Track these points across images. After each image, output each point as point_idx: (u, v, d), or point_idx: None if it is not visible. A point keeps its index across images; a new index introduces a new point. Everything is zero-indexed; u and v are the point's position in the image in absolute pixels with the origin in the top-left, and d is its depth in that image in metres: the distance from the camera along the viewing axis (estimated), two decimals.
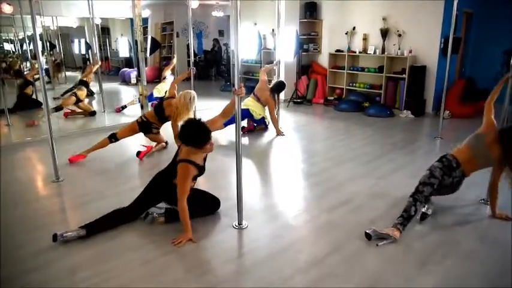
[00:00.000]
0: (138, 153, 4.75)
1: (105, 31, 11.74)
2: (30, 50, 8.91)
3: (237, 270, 2.49)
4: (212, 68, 13.13)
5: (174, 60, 8.08)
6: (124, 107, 7.39)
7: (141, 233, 2.93)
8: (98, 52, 8.04)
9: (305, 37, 8.73)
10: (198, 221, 3.09)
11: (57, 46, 10.11)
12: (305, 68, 8.92)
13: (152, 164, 4.61)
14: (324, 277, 2.39)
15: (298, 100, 8.50)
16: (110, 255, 2.61)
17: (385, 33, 7.52)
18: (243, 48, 9.71)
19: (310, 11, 8.57)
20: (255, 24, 9.46)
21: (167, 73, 7.65)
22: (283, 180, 4.16)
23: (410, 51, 7.22)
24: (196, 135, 2.79)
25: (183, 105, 4.56)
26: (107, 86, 9.11)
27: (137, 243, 2.78)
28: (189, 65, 6.83)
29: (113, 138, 4.67)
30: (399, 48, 7.39)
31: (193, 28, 8.87)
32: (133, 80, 7.94)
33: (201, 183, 4.01)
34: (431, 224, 3.06)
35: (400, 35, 7.33)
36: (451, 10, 5.29)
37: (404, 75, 7.27)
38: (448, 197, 3.56)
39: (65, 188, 3.82)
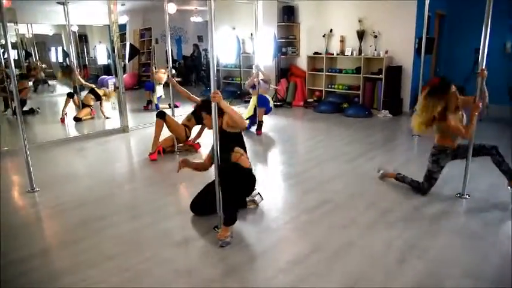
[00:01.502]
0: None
1: (82, 38, 11.56)
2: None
3: (221, 272, 2.48)
4: (192, 73, 13.07)
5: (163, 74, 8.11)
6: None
7: (118, 240, 2.89)
8: (75, 60, 7.93)
9: (283, 40, 8.80)
10: (178, 226, 3.08)
11: (33, 54, 9.91)
12: (284, 71, 8.99)
13: (126, 169, 4.58)
14: (306, 277, 2.40)
15: (278, 103, 8.55)
16: (88, 264, 2.57)
17: (361, 34, 7.64)
18: (222, 52, 9.73)
19: (288, 15, 8.66)
20: (234, 28, 9.49)
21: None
22: (263, 182, 4.17)
23: (386, 52, 7.36)
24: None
25: None
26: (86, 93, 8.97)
27: (115, 251, 2.74)
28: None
29: (162, 116, 4.82)
30: (375, 49, 7.52)
31: (172, 34, 8.85)
32: (112, 87, 7.85)
33: (183, 187, 4.00)
34: (409, 220, 3.12)
35: (376, 36, 7.46)
36: (424, 11, 5.42)
37: (381, 76, 7.40)
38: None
39: (40, 198, 3.74)
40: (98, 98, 7.39)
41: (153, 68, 8.45)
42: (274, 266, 2.52)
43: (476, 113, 3.28)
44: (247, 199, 3.35)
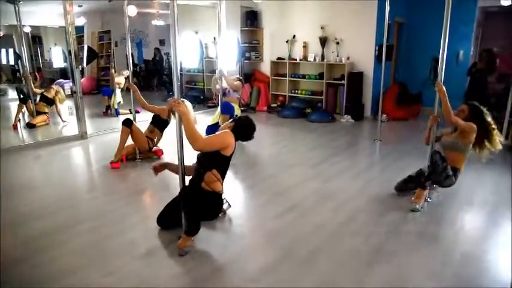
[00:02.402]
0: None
1: (36, 40, 11.02)
2: None
3: (185, 284, 2.38)
4: (154, 77, 12.80)
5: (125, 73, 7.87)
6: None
7: (80, 253, 2.72)
8: (28, 63, 7.53)
9: (247, 45, 8.79)
10: (141, 236, 2.95)
11: None
12: (248, 76, 8.97)
13: (86, 178, 4.37)
14: (275, 285, 2.36)
15: (242, 108, 8.47)
16: (47, 280, 2.39)
17: (323, 41, 7.77)
18: (185, 57, 9.58)
19: (251, 20, 8.66)
20: (196, 32, 9.37)
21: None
22: (227, 189, 4.10)
23: (348, 58, 7.52)
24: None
25: None
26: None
27: (75, 266, 2.57)
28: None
29: (129, 124, 4.62)
30: (338, 56, 7.67)
31: (132, 37, 8.59)
32: (68, 92, 7.52)
33: (146, 196, 3.85)
34: (376, 223, 3.15)
35: (338, 43, 7.61)
36: (384, 19, 5.58)
37: (343, 81, 7.55)
38: (390, 195, 3.71)
39: None
40: (51, 102, 7.03)
41: (113, 71, 8.17)
42: (243, 276, 2.45)
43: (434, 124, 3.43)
44: None
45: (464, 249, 2.79)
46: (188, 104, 2.84)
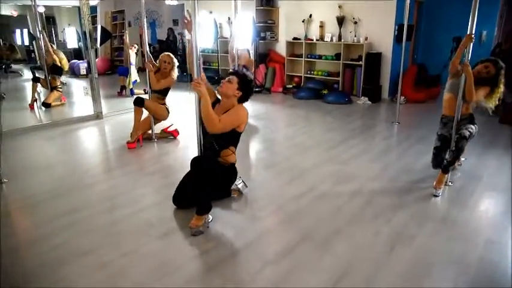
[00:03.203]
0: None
1: (50, 21, 11.00)
2: None
3: (202, 268, 2.37)
4: None
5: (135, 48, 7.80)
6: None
7: (94, 234, 2.73)
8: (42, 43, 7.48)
9: (262, 25, 8.62)
10: (157, 218, 2.94)
11: None
12: (263, 56, 8.83)
13: (102, 158, 4.38)
14: (294, 268, 2.33)
15: (257, 89, 8.41)
16: (62, 262, 2.40)
17: (341, 20, 7.56)
18: (200, 37, 9.45)
19: None
20: (211, 12, 9.23)
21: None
22: (245, 171, 4.07)
23: (366, 39, 7.32)
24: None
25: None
26: None
27: (91, 246, 2.58)
28: (143, 55, 6.52)
29: (140, 103, 4.58)
30: (355, 36, 7.47)
31: (146, 17, 8.48)
32: (83, 72, 7.50)
33: (161, 177, 3.84)
34: (396, 207, 3.09)
35: (356, 23, 7.40)
36: None
37: (361, 62, 7.38)
38: (410, 179, 3.64)
39: (8, 190, 3.50)
40: (60, 71, 6.97)
41: (126, 47, 8.08)
42: (261, 258, 2.43)
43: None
44: (232, 187, 3.24)
45: (487, 234, 2.72)
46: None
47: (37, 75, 7.17)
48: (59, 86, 6.94)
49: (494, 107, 3.47)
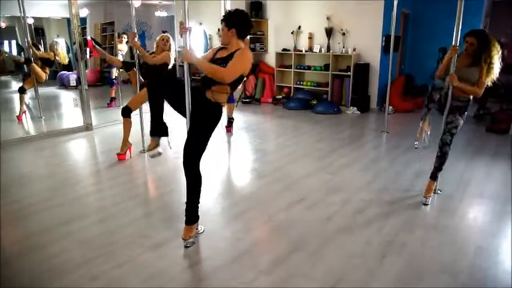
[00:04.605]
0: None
1: (39, 32, 10.96)
2: None
3: (196, 278, 2.37)
4: None
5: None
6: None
7: (87, 245, 2.71)
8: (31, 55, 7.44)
9: (251, 36, 8.70)
10: (149, 228, 2.93)
11: None
12: (252, 67, 8.81)
13: (92, 170, 4.35)
14: (287, 277, 2.34)
15: (247, 100, 8.47)
16: (55, 273, 2.37)
17: (329, 32, 7.68)
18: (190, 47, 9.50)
19: (256, 11, 8.56)
20: (200, 24, 9.31)
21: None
22: (237, 181, 4.09)
23: (354, 50, 7.44)
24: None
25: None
26: (44, 90, 8.48)
27: (84, 258, 2.55)
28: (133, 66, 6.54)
29: (128, 113, 4.52)
30: (344, 47, 7.59)
31: (136, 28, 8.47)
32: (73, 83, 7.48)
33: (152, 188, 3.83)
34: (387, 216, 3.13)
35: (344, 34, 7.52)
36: (391, 10, 5.49)
37: (349, 73, 7.48)
38: (399, 187, 3.69)
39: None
40: (50, 63, 7.01)
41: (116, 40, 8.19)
42: (254, 268, 2.43)
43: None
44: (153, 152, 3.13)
45: (476, 241, 2.77)
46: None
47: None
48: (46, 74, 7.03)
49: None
